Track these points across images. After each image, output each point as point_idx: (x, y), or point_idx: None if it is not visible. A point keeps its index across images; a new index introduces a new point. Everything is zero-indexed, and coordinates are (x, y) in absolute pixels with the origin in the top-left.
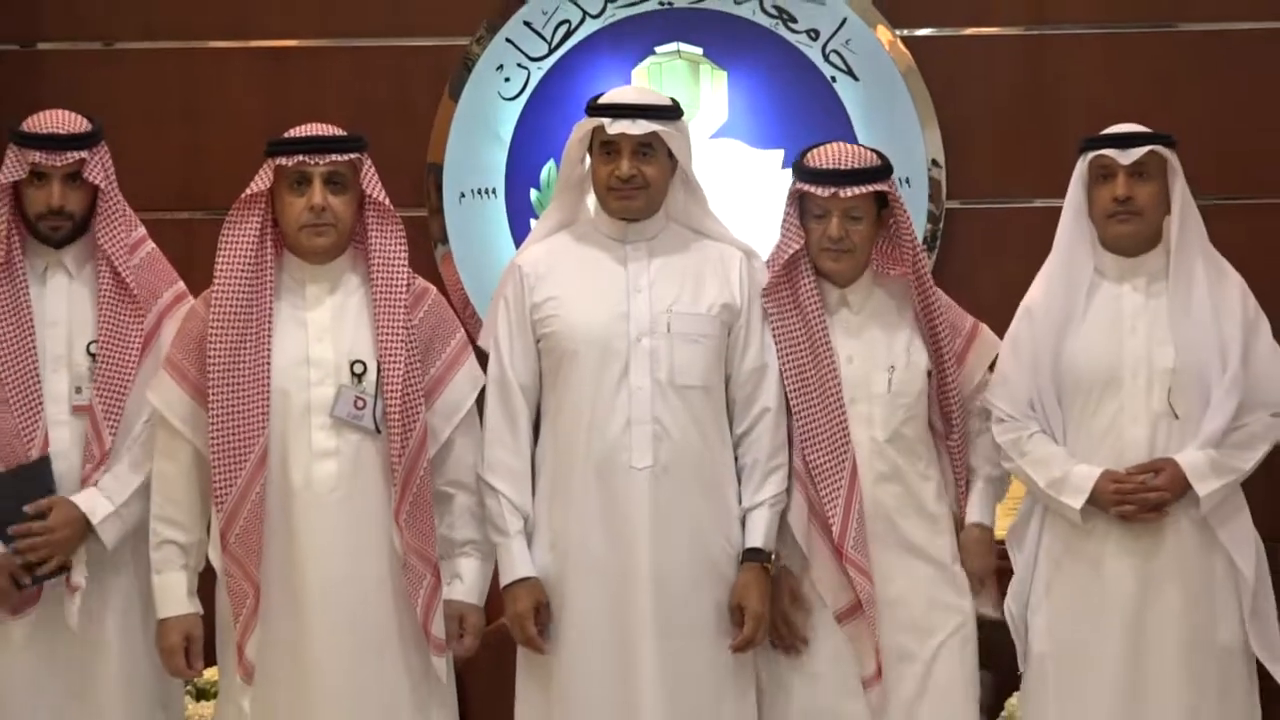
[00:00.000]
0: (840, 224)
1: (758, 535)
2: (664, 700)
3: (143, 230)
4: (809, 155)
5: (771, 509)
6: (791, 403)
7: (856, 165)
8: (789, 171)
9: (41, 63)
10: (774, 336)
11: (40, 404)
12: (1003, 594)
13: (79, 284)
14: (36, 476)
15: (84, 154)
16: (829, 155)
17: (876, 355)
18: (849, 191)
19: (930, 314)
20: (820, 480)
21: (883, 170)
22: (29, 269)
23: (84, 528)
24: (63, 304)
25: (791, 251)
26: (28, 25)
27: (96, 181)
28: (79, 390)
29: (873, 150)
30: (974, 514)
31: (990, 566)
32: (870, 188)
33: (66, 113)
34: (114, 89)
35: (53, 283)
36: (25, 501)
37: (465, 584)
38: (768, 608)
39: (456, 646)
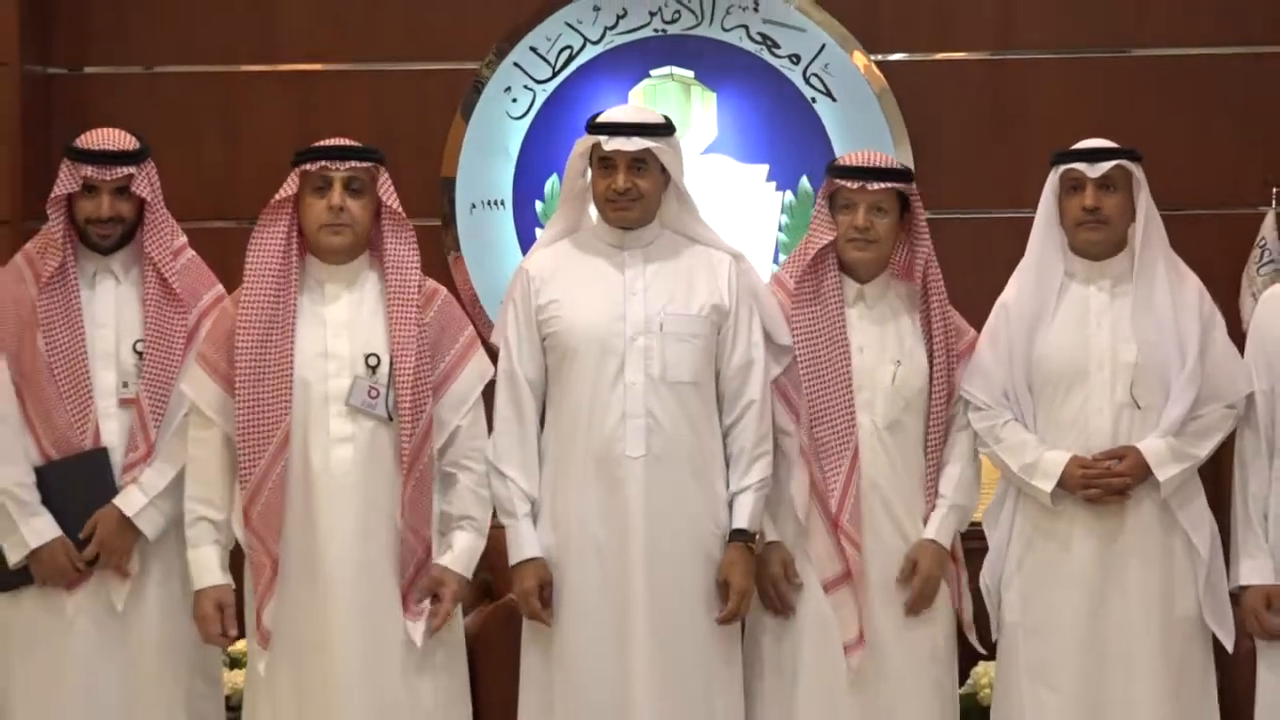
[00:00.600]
0: (866, 215)
1: (743, 517)
2: (656, 669)
3: (184, 238)
4: (842, 157)
5: (757, 493)
6: (804, 384)
7: (883, 165)
8: (773, 184)
9: (89, 85)
10: (793, 323)
11: (91, 398)
12: (977, 571)
13: (126, 287)
14: (93, 466)
15: (132, 169)
16: (861, 156)
17: (886, 349)
18: (876, 185)
19: (932, 312)
20: (824, 457)
21: (906, 173)
22: (80, 274)
23: (131, 527)
24: (111, 306)
25: (822, 244)
26: (76, 50)
27: (143, 194)
28: (125, 385)
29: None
30: (930, 531)
31: (936, 580)
32: (894, 184)
33: (117, 131)
34: (154, 109)
35: (102, 286)
36: (84, 488)
37: (454, 553)
38: (752, 583)
39: (431, 611)
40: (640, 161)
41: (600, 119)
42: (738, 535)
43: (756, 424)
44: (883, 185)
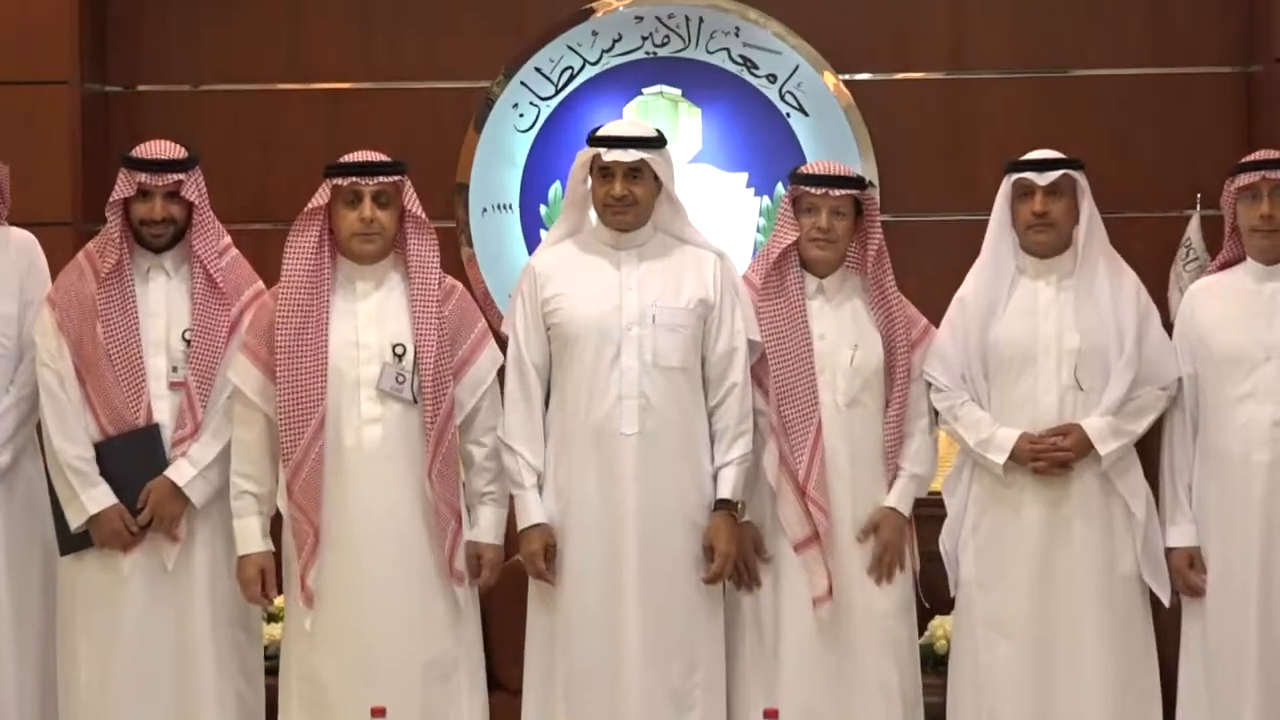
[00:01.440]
0: (828, 217)
1: (727, 488)
2: (646, 622)
3: (228, 239)
4: (807, 166)
5: (739, 466)
6: (772, 369)
7: (844, 174)
8: (752, 190)
9: (141, 101)
10: (761, 314)
11: (144, 380)
12: (935, 535)
13: (176, 282)
14: (147, 442)
15: (181, 176)
16: (823, 165)
17: (844, 335)
18: (837, 191)
19: (884, 303)
20: (791, 433)
21: (862, 181)
22: (135, 270)
23: (181, 495)
24: (162, 298)
25: (787, 243)
26: (130, 71)
27: (191, 198)
28: (175, 370)
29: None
30: (891, 500)
31: (898, 545)
32: (852, 191)
33: (168, 142)
34: (200, 122)
35: (154, 281)
36: (138, 461)
37: (483, 527)
38: (734, 548)
39: (476, 580)
40: (635, 171)
41: (600, 133)
42: (722, 504)
43: (739, 405)
44: (843, 191)
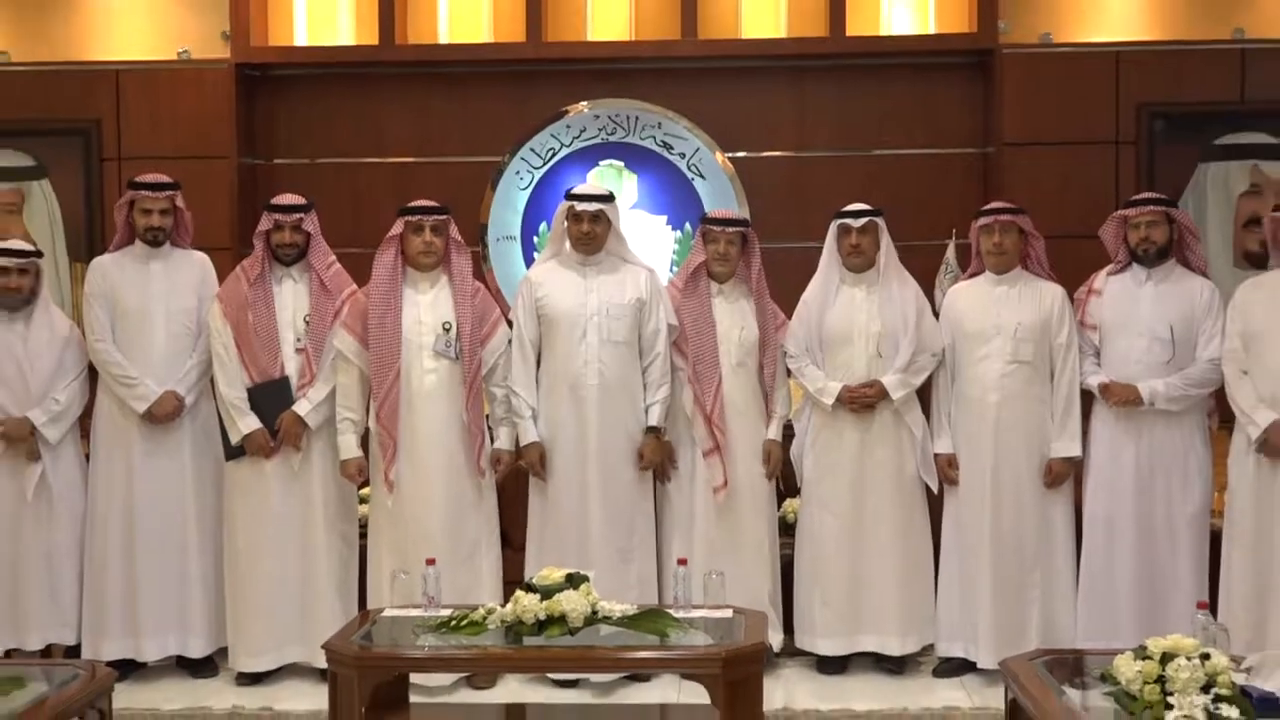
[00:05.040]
0: (725, 246)
1: (653, 418)
2: (604, 503)
3: (333, 257)
4: (712, 212)
5: (661, 405)
6: (690, 341)
7: (736, 218)
8: (670, 227)
9: (275, 169)
10: (681, 309)
11: (279, 347)
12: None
13: (300, 285)
14: (281, 386)
15: (303, 215)
16: (723, 212)
17: (734, 322)
18: (731, 230)
19: (760, 303)
20: (702, 382)
21: (747, 222)
22: (273, 277)
23: (303, 421)
24: (290, 295)
25: (698, 262)
26: (268, 149)
27: (309, 230)
28: (299, 340)
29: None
30: (771, 433)
31: (779, 459)
32: (741, 229)
33: (294, 195)
34: (314, 182)
35: (285, 284)
36: (277, 400)
37: (500, 441)
38: (658, 456)
39: (496, 473)
40: (595, 217)
41: (574, 191)
42: (651, 430)
43: (661, 365)
44: (735, 230)
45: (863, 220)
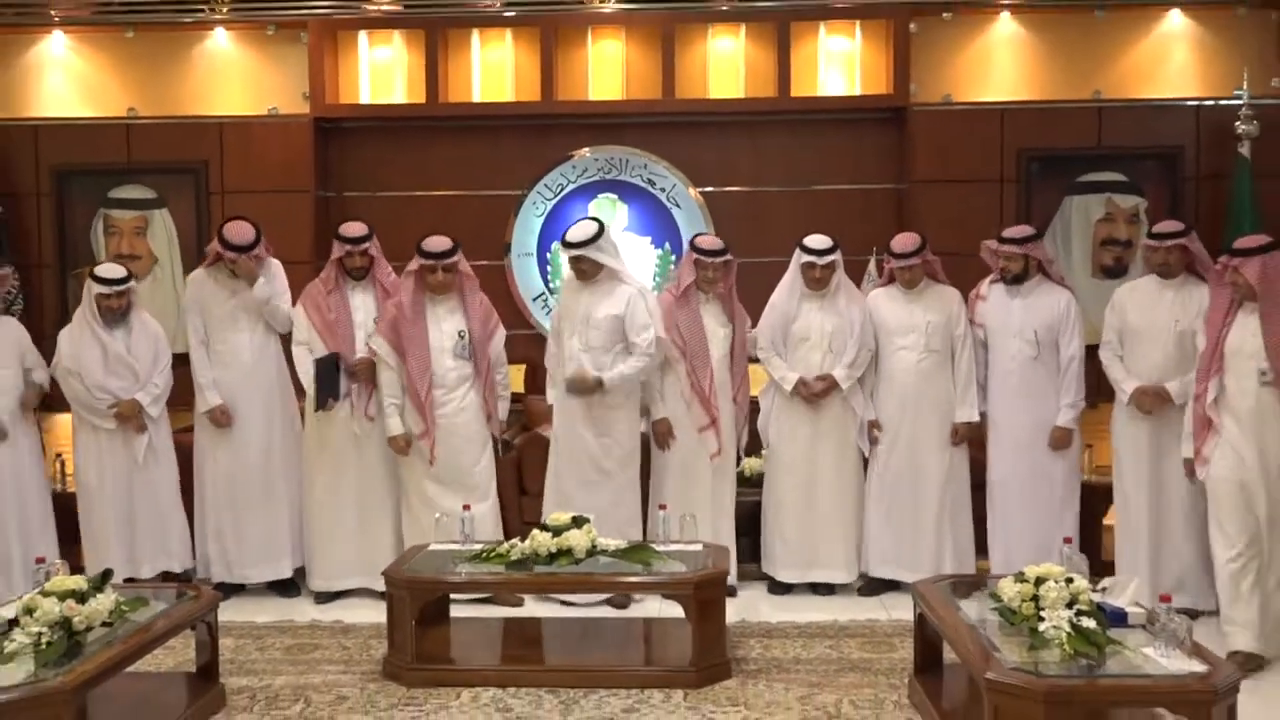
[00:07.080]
0: (714, 272)
1: (605, 375)
2: (600, 456)
3: (391, 268)
4: (701, 241)
5: (619, 375)
6: (686, 340)
7: (722, 248)
8: (654, 247)
9: (345, 201)
10: (678, 316)
11: (354, 338)
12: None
13: (368, 294)
14: (335, 362)
15: (367, 243)
16: (709, 241)
17: (719, 324)
18: (718, 259)
19: (734, 308)
20: (699, 370)
21: (727, 250)
22: (346, 287)
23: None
24: (360, 301)
25: (689, 281)
26: (339, 184)
27: (373, 253)
28: (369, 336)
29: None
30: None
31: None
32: (726, 259)
33: (360, 223)
34: (375, 212)
35: (356, 294)
36: (332, 371)
37: (499, 413)
38: (587, 390)
39: (496, 430)
40: (578, 259)
41: (564, 238)
42: (596, 379)
43: (637, 357)
44: (721, 259)
45: (829, 258)
